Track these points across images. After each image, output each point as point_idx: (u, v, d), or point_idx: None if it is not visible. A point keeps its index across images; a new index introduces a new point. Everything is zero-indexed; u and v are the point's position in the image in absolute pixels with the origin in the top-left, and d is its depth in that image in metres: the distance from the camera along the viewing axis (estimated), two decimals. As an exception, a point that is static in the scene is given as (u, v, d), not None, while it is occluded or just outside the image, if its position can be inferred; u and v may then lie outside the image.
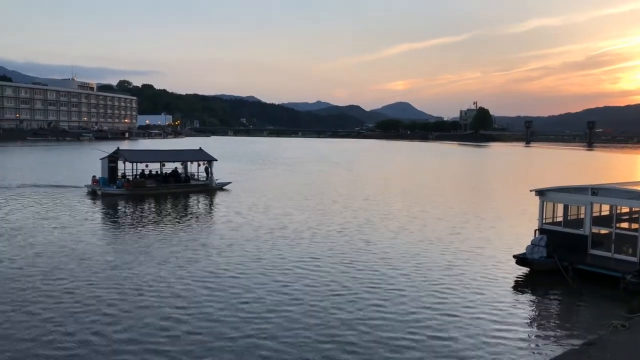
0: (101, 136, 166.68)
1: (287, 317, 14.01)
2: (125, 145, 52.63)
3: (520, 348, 12.50)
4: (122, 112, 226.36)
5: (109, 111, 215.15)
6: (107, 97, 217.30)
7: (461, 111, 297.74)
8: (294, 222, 27.95)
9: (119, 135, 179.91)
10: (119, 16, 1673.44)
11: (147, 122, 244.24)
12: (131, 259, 19.88)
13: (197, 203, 36.74)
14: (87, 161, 72.77)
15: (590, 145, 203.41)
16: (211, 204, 35.98)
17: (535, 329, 13.93)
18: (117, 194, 37.59)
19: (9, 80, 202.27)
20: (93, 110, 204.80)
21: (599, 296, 16.60)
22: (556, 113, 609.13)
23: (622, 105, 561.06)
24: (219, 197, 38.33)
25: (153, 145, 74.85)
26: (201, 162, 42.91)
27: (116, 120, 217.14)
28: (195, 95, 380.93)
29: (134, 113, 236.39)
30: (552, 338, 13.19)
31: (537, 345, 12.73)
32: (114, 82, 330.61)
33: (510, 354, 12.14)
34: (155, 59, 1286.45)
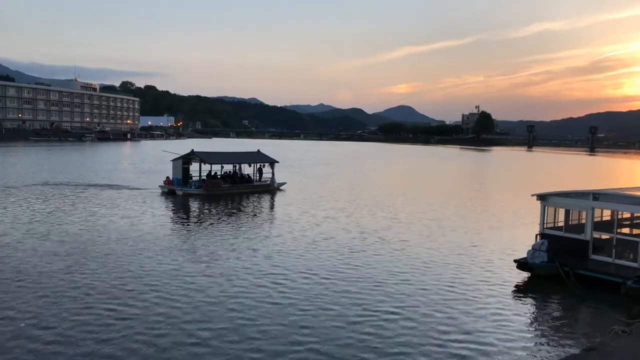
0: (103, 137, 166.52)
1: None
2: (200, 147, 55.12)
3: (520, 353, 12.47)
4: (125, 113, 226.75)
5: (111, 112, 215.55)
6: (109, 98, 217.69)
7: (463, 115, 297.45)
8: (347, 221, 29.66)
9: (121, 136, 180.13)
10: (123, 17, 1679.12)
11: (149, 123, 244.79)
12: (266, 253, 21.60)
13: (272, 202, 38.13)
14: (130, 161, 74.62)
15: (592, 150, 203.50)
16: (280, 203, 37.16)
17: (535, 334, 13.89)
18: (196, 194, 38.89)
19: (12, 80, 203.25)
20: (95, 111, 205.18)
21: (600, 301, 16.55)
22: (558, 118, 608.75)
23: (625, 110, 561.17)
24: (284, 197, 40.09)
25: (179, 146, 77.43)
26: (259, 164, 45.26)
27: (118, 121, 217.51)
28: (198, 97, 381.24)
29: (136, 114, 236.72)
30: (552, 343, 13.17)
31: (537, 350, 12.69)
32: (116, 83, 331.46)
33: (510, 359, 12.12)
34: (158, 61, 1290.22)
